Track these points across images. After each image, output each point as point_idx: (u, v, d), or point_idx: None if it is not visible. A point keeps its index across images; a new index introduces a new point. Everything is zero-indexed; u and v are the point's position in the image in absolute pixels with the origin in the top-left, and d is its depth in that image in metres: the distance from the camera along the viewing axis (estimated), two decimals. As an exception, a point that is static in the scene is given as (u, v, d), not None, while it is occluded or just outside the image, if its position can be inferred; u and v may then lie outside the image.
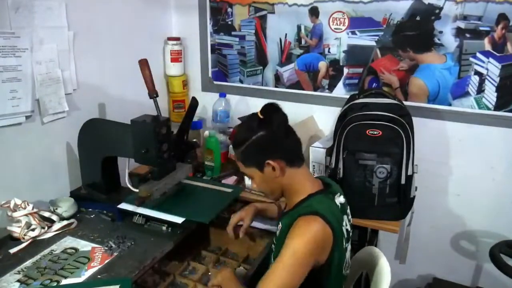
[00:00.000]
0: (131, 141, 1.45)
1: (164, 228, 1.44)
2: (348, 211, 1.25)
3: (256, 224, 1.69)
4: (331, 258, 1.11)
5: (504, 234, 1.82)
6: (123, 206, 1.51)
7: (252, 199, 1.70)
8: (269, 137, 1.14)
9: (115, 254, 1.31)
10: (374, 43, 1.81)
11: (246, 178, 1.77)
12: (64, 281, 1.19)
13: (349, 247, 1.23)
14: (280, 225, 1.20)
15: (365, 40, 1.82)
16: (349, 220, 1.24)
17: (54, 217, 1.45)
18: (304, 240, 1.05)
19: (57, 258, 1.29)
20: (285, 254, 1.05)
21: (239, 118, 1.95)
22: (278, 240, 1.17)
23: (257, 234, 1.56)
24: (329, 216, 1.09)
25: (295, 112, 2.00)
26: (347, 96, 1.77)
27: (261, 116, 1.15)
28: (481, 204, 1.85)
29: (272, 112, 1.15)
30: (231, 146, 1.94)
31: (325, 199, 1.17)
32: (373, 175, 1.53)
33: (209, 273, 1.41)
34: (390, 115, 1.51)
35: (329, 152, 1.64)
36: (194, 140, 2.05)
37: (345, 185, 1.54)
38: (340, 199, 1.20)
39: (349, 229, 1.22)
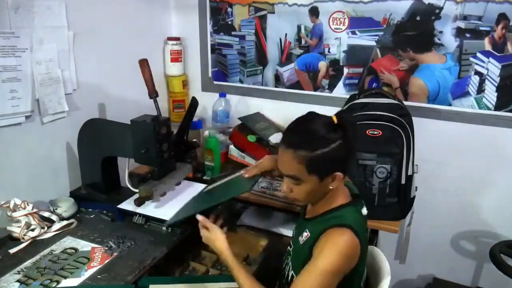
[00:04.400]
0: (131, 141, 1.45)
1: (164, 228, 1.44)
2: (367, 221, 1.22)
3: (255, 224, 1.69)
4: (356, 269, 1.09)
5: (504, 234, 1.82)
6: (123, 206, 1.51)
7: (252, 198, 1.70)
8: (346, 147, 1.05)
9: (115, 254, 1.31)
10: (374, 43, 1.81)
11: None
12: (64, 281, 1.19)
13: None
14: (307, 232, 1.15)
15: (365, 40, 1.82)
16: (366, 230, 1.22)
17: (54, 217, 1.45)
18: (340, 252, 1.02)
19: (57, 258, 1.29)
20: (322, 262, 1.02)
21: (239, 118, 1.95)
22: (303, 247, 1.14)
23: (256, 234, 1.56)
24: (358, 228, 1.07)
25: (295, 112, 2.00)
26: (347, 96, 1.77)
27: (335, 121, 1.06)
28: (481, 204, 1.85)
29: (346, 119, 1.07)
30: (231, 146, 1.93)
31: (355, 211, 1.14)
32: (373, 175, 1.53)
33: (209, 273, 1.41)
34: (390, 115, 1.51)
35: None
36: (194, 140, 2.04)
37: (345, 185, 1.54)
38: (364, 211, 1.18)
39: (367, 239, 1.21)
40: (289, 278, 1.16)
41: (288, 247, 1.25)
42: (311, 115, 1.12)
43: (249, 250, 1.52)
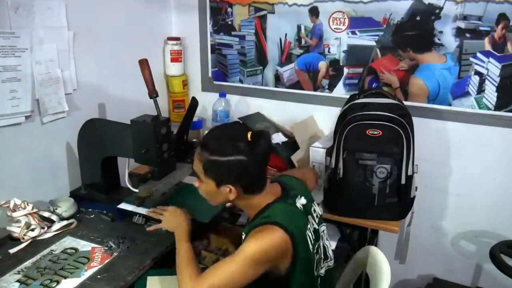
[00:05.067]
0: (131, 141, 1.45)
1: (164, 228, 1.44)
2: (315, 208, 1.23)
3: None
4: (294, 264, 1.10)
5: (504, 234, 1.82)
6: (123, 206, 1.51)
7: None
8: (246, 165, 1.09)
9: (115, 254, 1.31)
10: (374, 43, 1.81)
11: None
12: (64, 281, 1.19)
13: (323, 244, 1.22)
14: (244, 234, 1.17)
15: (365, 40, 1.82)
16: (316, 217, 1.23)
17: (54, 217, 1.45)
18: (261, 242, 1.05)
19: (57, 258, 1.29)
20: (237, 254, 1.06)
21: (239, 118, 1.95)
22: None
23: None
24: (286, 223, 1.08)
25: (295, 112, 2.02)
26: (347, 96, 1.77)
27: (250, 139, 1.10)
28: (481, 204, 1.85)
29: (263, 140, 1.10)
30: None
31: (284, 206, 1.15)
32: (373, 175, 1.53)
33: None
34: (390, 115, 1.50)
35: (329, 152, 1.64)
36: (194, 140, 2.05)
37: (345, 185, 1.54)
38: (301, 201, 1.18)
39: (317, 226, 1.21)
40: None
41: None
42: (237, 124, 1.18)
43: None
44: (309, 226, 1.16)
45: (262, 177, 1.17)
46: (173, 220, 1.34)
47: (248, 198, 1.15)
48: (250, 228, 1.12)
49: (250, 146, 1.08)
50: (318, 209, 1.26)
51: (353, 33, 1.83)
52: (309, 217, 1.18)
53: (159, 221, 1.42)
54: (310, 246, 1.14)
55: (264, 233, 1.06)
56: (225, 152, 1.09)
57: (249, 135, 1.10)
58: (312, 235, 1.16)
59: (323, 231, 1.26)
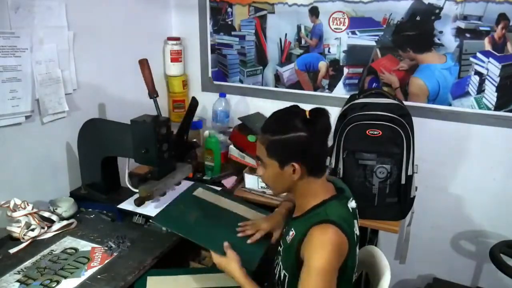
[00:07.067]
0: (131, 141, 1.45)
1: (164, 228, 1.44)
2: (357, 216, 1.22)
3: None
4: (345, 264, 1.09)
5: (504, 234, 1.82)
6: (123, 206, 1.51)
7: (252, 199, 1.70)
8: (308, 141, 1.08)
9: (115, 254, 1.31)
10: (374, 43, 1.81)
11: (246, 178, 1.77)
12: (64, 281, 1.19)
13: (357, 251, 1.21)
14: (292, 230, 1.15)
15: (365, 40, 1.82)
16: (358, 226, 1.21)
17: (54, 217, 1.45)
18: (329, 249, 1.02)
19: (57, 258, 1.29)
20: (315, 263, 1.02)
21: (239, 118, 1.95)
22: (290, 246, 1.14)
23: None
24: (342, 223, 1.07)
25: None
26: (347, 96, 1.77)
27: (308, 116, 1.10)
28: (481, 204, 1.85)
29: (320, 117, 1.10)
30: (231, 146, 1.93)
31: (339, 205, 1.14)
32: (373, 175, 1.53)
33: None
34: (390, 115, 1.50)
35: (329, 152, 1.64)
36: (194, 140, 2.04)
37: (345, 185, 1.54)
38: (352, 204, 1.18)
39: (358, 233, 1.21)
40: (282, 277, 1.16)
41: (279, 247, 1.24)
42: (294, 106, 1.16)
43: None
44: (354, 229, 1.15)
45: (323, 156, 1.18)
46: (226, 266, 1.23)
47: (309, 182, 1.13)
48: (304, 224, 1.09)
49: (309, 122, 1.09)
50: (358, 218, 1.25)
51: (353, 33, 1.83)
52: (355, 221, 1.17)
53: (160, 221, 1.42)
54: (356, 250, 1.14)
55: (325, 237, 1.04)
56: (285, 130, 1.09)
57: (307, 113, 1.10)
58: (356, 239, 1.15)
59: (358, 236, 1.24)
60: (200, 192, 1.54)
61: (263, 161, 1.15)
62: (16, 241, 1.35)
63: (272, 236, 1.32)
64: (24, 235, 1.35)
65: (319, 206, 1.13)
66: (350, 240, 1.08)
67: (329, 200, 1.14)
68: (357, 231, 1.18)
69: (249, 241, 1.30)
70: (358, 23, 1.81)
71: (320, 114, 1.10)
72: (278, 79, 2.05)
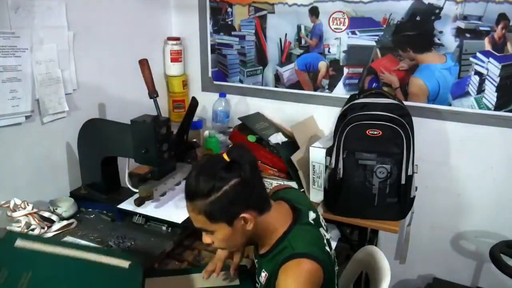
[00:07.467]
0: (131, 141, 1.45)
1: (164, 228, 1.44)
2: (321, 219, 1.17)
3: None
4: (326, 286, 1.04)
5: (504, 234, 1.82)
6: (123, 206, 1.51)
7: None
8: (244, 185, 0.99)
9: (115, 254, 1.31)
10: (374, 43, 1.81)
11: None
12: (64, 281, 1.19)
13: (335, 265, 1.15)
14: (264, 271, 1.08)
15: (365, 40, 1.82)
16: (324, 225, 1.17)
17: (54, 217, 1.45)
18: (305, 284, 0.96)
19: (57, 258, 1.29)
20: None
21: (239, 118, 1.95)
22: (266, 287, 1.07)
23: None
24: (311, 250, 1.01)
25: (295, 112, 2.02)
26: (347, 96, 1.77)
27: (227, 159, 1.00)
28: (481, 204, 1.85)
29: (241, 155, 1.01)
30: (231, 146, 1.93)
31: (301, 230, 1.07)
32: (373, 175, 1.53)
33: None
34: (390, 115, 1.50)
35: (329, 152, 1.64)
36: (194, 140, 2.05)
37: (345, 185, 1.54)
38: (311, 216, 1.12)
39: (328, 236, 1.16)
40: None
41: (256, 284, 1.16)
42: (205, 158, 1.08)
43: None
44: (324, 240, 1.10)
45: (264, 188, 1.09)
46: None
47: (263, 221, 1.05)
48: (275, 264, 1.03)
49: (234, 166, 1.00)
50: (322, 216, 1.21)
51: (353, 33, 1.83)
52: (321, 229, 1.13)
53: (160, 221, 1.42)
54: (332, 261, 1.10)
55: (298, 270, 0.98)
56: (217, 187, 0.98)
57: (225, 157, 1.01)
58: (328, 247, 1.10)
59: (330, 237, 1.20)
60: (21, 242, 1.06)
61: (208, 230, 1.04)
62: (16, 241, 1.35)
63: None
64: (24, 235, 1.35)
65: (283, 240, 1.05)
66: (325, 266, 1.01)
67: (290, 229, 1.06)
68: (326, 236, 1.13)
69: (214, 275, 1.23)
70: (358, 23, 1.81)
71: (239, 153, 1.03)
72: (278, 79, 2.05)
